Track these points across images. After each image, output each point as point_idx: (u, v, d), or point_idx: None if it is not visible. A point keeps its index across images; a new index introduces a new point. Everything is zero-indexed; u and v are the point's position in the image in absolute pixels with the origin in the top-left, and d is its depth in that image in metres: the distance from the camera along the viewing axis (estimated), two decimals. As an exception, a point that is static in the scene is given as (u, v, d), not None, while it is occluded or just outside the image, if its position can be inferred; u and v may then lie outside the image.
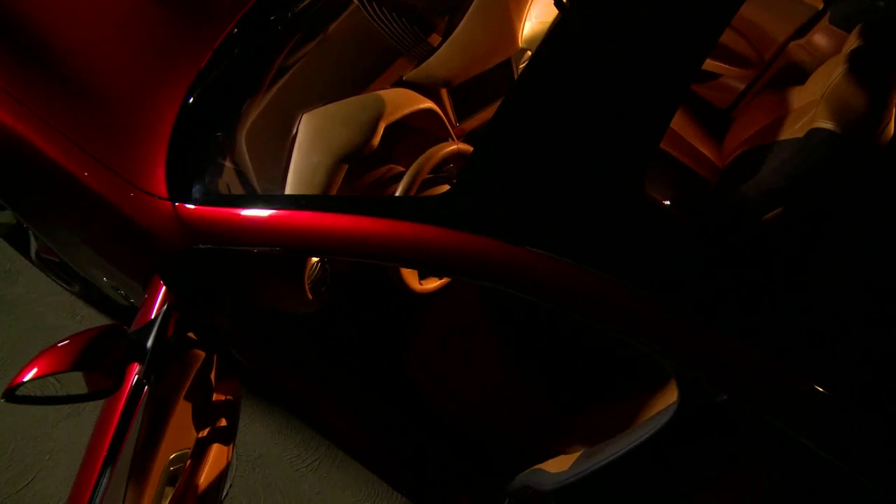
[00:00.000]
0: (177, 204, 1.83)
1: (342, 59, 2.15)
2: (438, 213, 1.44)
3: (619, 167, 1.40)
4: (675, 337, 1.28)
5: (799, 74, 2.47)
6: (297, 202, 1.67)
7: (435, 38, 2.20)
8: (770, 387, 1.23)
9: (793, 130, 2.23)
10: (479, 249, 1.38)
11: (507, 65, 2.26)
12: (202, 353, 1.77)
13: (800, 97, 2.43)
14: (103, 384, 1.61)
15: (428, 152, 1.85)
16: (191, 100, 2.01)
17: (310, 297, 1.90)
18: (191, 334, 1.77)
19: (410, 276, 1.98)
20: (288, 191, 1.87)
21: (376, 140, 1.89)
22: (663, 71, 1.57)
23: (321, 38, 2.15)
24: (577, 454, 1.71)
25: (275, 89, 2.08)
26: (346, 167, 1.88)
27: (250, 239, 1.70)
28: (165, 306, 1.73)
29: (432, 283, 2.08)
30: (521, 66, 2.30)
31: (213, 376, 1.97)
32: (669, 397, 1.91)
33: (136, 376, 1.64)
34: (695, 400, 1.31)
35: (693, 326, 1.27)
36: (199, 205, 1.80)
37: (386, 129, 1.93)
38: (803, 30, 2.52)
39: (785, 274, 1.52)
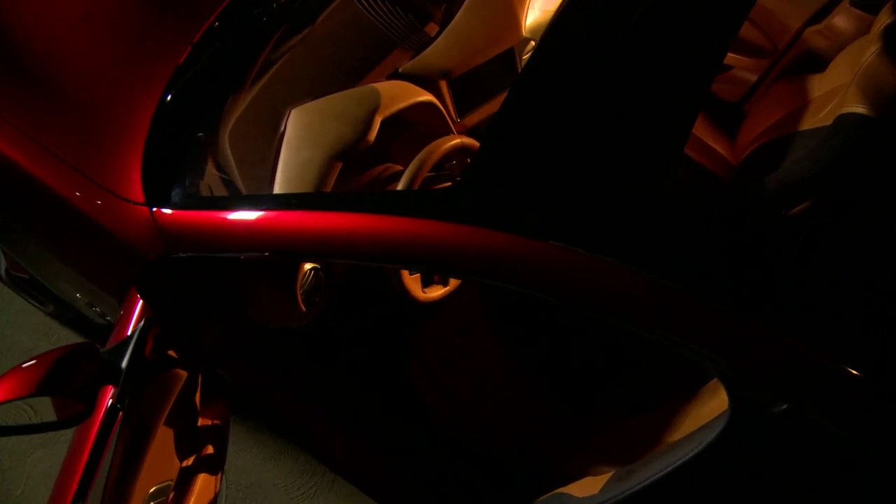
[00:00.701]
0: (154, 209, 1.66)
1: (332, 52, 1.99)
2: (447, 208, 1.28)
3: (656, 156, 1.25)
4: (725, 337, 1.12)
5: (817, 61, 2.34)
6: (286, 201, 1.50)
7: (432, 28, 2.04)
8: (839, 392, 1.07)
9: (816, 119, 2.12)
10: (496, 246, 1.22)
11: (509, 56, 2.11)
12: (184, 373, 1.59)
13: (821, 84, 2.30)
14: (74, 410, 1.43)
15: (430, 146, 1.70)
16: (168, 97, 1.85)
17: (302, 308, 1.73)
18: (171, 352, 1.59)
19: (413, 284, 1.81)
20: (276, 191, 1.71)
21: (372, 135, 1.73)
22: (691, 48, 1.43)
23: (309, 30, 2.00)
24: (604, 476, 1.53)
25: (260, 85, 1.92)
26: (339, 165, 1.72)
27: (236, 244, 1.53)
28: (143, 322, 1.56)
29: (436, 291, 1.91)
30: (525, 57, 2.15)
31: (197, 399, 1.79)
32: (703, 409, 1.76)
33: (111, 400, 1.46)
34: (750, 411, 1.14)
35: (747, 324, 1.11)
36: (179, 209, 1.64)
37: (382, 123, 1.77)
38: (820, 15, 2.39)
39: (827, 267, 1.38)
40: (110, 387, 1.47)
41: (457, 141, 1.73)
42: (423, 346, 2.11)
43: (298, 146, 1.75)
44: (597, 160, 1.25)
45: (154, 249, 1.66)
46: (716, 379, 1.83)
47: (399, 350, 2.09)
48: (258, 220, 1.50)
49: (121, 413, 1.43)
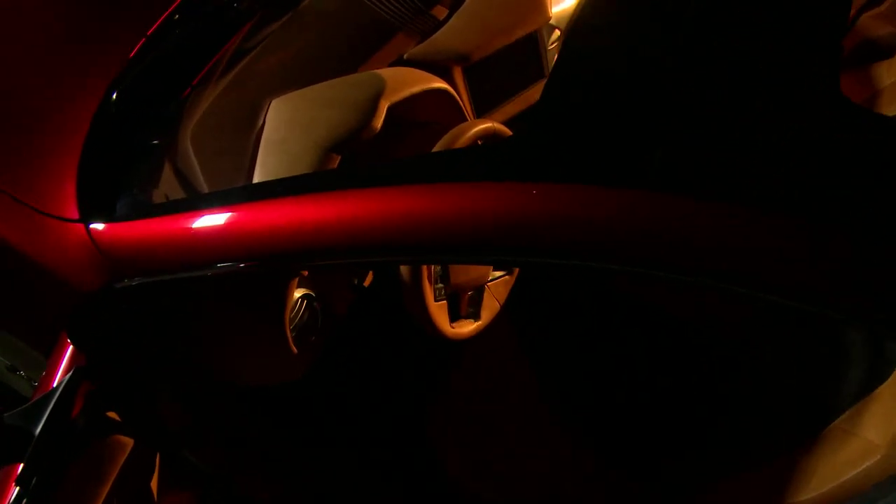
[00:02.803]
0: (91, 226, 1.24)
1: (319, 39, 1.62)
2: (519, 162, 0.87)
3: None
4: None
5: (879, 49, 2.04)
6: (272, 189, 1.09)
7: (440, 11, 1.69)
8: None
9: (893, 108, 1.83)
10: (592, 204, 0.81)
11: (533, 42, 1.76)
12: (129, 441, 1.13)
13: (891, 71, 2.00)
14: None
15: (456, 129, 1.30)
16: (115, 95, 1.45)
17: (293, 349, 1.29)
18: (112, 414, 1.14)
19: (440, 315, 1.38)
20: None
21: (378, 121, 1.34)
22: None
23: (290, 16, 1.63)
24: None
25: (230, 77, 1.53)
26: (337, 159, 1.31)
27: (203, 255, 1.11)
28: (70, 373, 1.11)
29: (466, 327, 1.48)
30: (552, 46, 1.80)
31: (154, 485, 1.32)
32: (839, 456, 1.32)
33: (16, 485, 0.99)
34: None
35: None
36: (125, 220, 1.22)
37: (389, 111, 1.38)
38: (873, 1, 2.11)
39: None
40: (17, 465, 1.01)
41: (487, 125, 1.34)
42: (448, 405, 1.66)
43: (283, 140, 1.35)
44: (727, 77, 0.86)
45: (90, 279, 1.23)
46: (845, 417, 1.41)
47: (420, 413, 1.63)
48: (234, 218, 1.08)
49: (24, 501, 0.95)
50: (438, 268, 1.37)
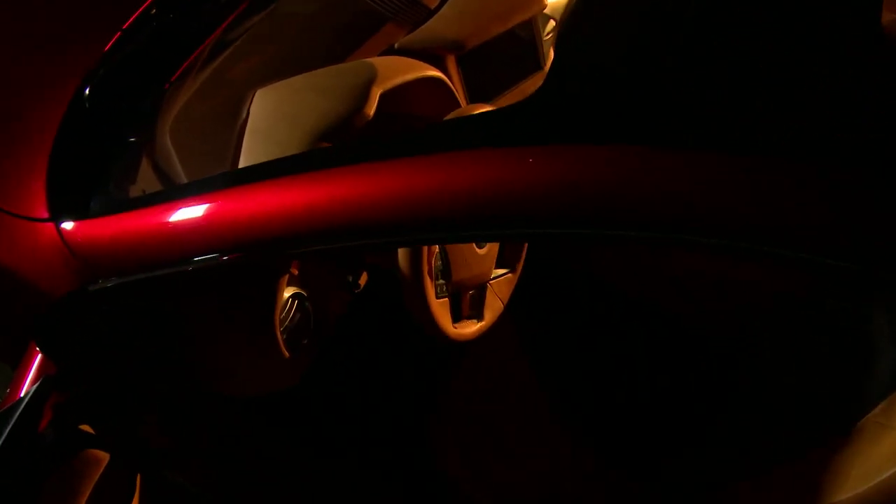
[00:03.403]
0: (62, 225, 1.14)
1: (305, 31, 1.54)
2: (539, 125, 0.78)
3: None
4: None
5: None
6: (254, 173, 0.99)
7: (431, 0, 1.61)
8: None
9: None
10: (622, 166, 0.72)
11: (529, 33, 1.68)
12: (104, 456, 1.02)
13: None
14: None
15: (453, 114, 1.22)
16: (87, 91, 1.36)
17: (285, 353, 1.18)
18: (86, 427, 1.03)
19: (443, 314, 1.29)
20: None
21: (370, 108, 1.25)
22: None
23: (276, 6, 1.55)
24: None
25: (211, 70, 1.45)
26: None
27: (182, 248, 1.01)
28: (39, 382, 1.00)
29: (469, 328, 1.39)
30: (547, 37, 1.73)
31: (135, 507, 1.21)
32: (878, 449, 1.23)
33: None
34: None
35: None
36: (98, 216, 1.12)
37: (380, 103, 1.30)
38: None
39: None
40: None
41: (486, 109, 1.26)
42: (447, 406, 1.56)
43: (268, 130, 1.26)
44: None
45: (61, 281, 1.13)
46: (878, 411, 1.32)
47: (419, 413, 1.53)
48: (215, 205, 0.99)
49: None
50: (439, 262, 1.28)
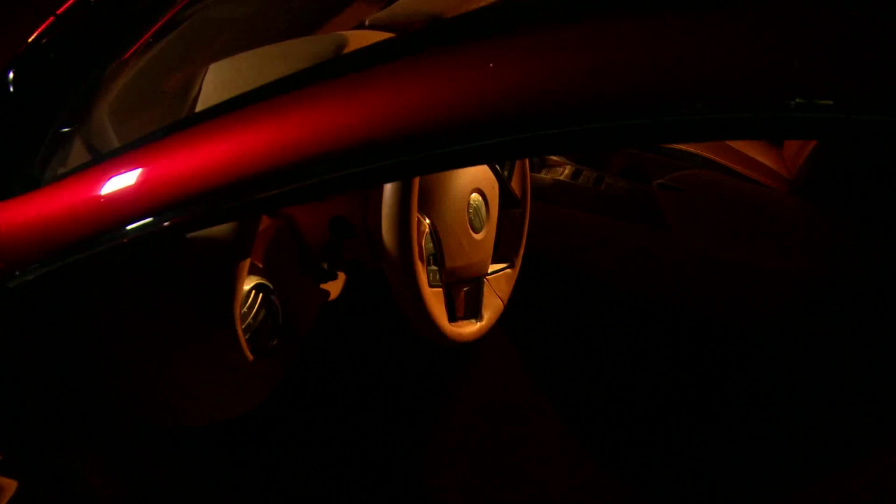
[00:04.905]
0: (-26, 213, 0.94)
1: (268, 10, 1.38)
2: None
3: None
4: None
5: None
6: (195, 119, 0.81)
7: (404, -21, 1.46)
8: None
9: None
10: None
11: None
12: (10, 485, 0.79)
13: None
14: None
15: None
16: (11, 75, 1.19)
17: (248, 355, 0.97)
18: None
19: (439, 310, 1.09)
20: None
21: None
22: None
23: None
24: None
25: (160, 48, 1.27)
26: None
27: (116, 215, 0.81)
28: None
29: (467, 328, 1.19)
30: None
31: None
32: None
33: None
34: None
35: None
36: (19, 195, 0.93)
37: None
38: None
39: None
40: None
41: None
42: (448, 406, 1.36)
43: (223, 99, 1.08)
44: None
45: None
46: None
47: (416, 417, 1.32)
48: (150, 158, 0.80)
49: None
50: (430, 245, 1.09)
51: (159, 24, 1.33)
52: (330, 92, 0.70)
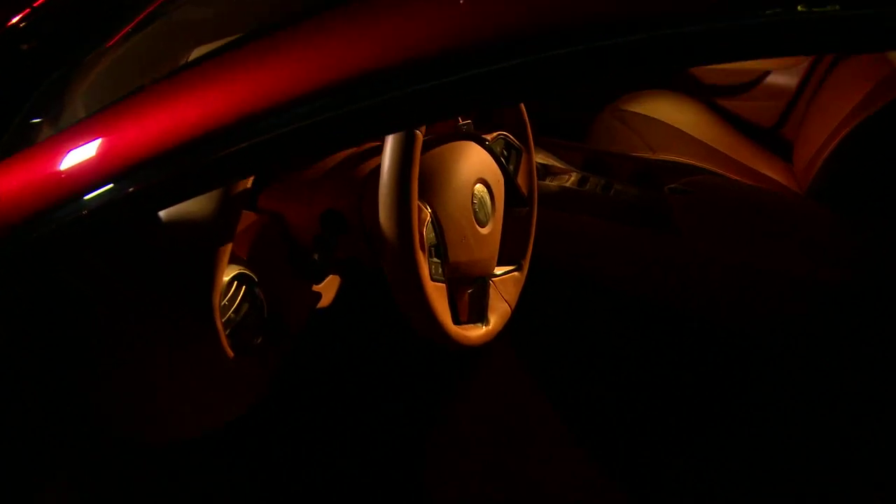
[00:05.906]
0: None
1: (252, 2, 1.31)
2: None
3: None
4: None
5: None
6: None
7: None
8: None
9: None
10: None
11: None
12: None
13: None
14: None
15: None
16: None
17: (229, 352, 0.86)
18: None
19: (443, 308, 0.99)
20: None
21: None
22: None
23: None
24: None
25: (137, 39, 1.20)
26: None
27: (74, 184, 0.71)
28: None
29: (474, 331, 1.09)
30: None
31: None
32: None
33: None
34: None
35: None
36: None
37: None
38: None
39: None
40: None
41: None
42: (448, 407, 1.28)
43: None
44: None
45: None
46: None
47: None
48: (115, 117, 0.71)
49: None
50: (432, 235, 1.00)
51: (142, 15, 1.26)
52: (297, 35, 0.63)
